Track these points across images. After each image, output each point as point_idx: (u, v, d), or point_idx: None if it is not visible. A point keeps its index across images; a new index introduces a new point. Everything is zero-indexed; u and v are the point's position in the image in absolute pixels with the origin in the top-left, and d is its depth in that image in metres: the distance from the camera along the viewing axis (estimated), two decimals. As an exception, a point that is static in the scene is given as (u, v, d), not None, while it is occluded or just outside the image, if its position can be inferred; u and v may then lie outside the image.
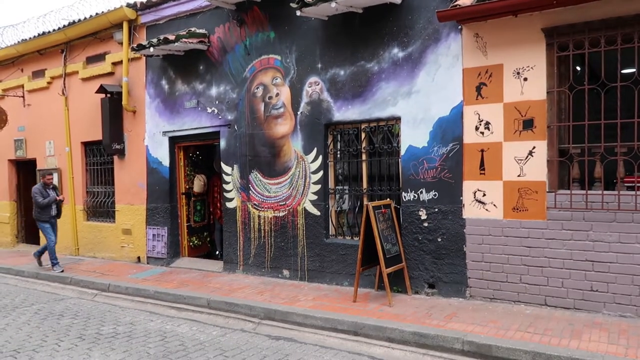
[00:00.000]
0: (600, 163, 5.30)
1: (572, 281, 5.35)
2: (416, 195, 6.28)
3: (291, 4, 6.63)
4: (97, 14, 9.44)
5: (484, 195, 5.82)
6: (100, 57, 9.83)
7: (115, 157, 9.66)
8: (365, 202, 6.69)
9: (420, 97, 6.21)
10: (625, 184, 5.24)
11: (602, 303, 5.20)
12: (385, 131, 6.69)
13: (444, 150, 6.06)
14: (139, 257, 9.38)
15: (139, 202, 9.31)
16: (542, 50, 5.42)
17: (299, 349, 5.04)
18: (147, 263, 9.21)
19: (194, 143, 8.93)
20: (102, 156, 10.06)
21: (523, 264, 5.60)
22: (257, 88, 7.68)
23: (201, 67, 8.34)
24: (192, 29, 8.12)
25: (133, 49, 8.61)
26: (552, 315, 5.24)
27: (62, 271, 8.67)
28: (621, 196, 5.10)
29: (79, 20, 9.73)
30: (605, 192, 5.21)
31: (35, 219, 8.99)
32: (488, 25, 5.70)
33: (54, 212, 8.96)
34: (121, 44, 9.26)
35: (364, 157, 6.90)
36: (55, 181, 10.77)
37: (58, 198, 8.96)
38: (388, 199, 6.51)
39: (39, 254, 9.34)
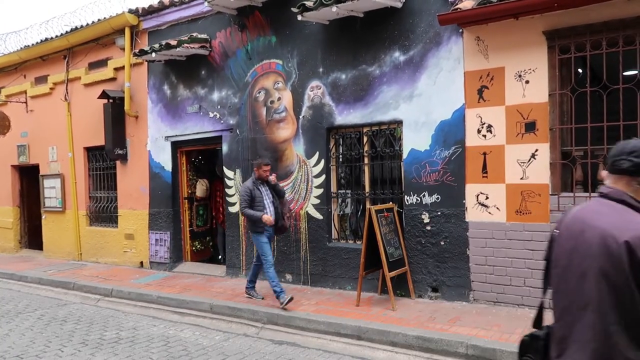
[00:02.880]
0: (604, 165, 5.26)
1: (576, 284, 5.31)
2: (419, 199, 6.26)
3: (292, 9, 6.64)
4: (99, 20, 9.48)
5: (487, 198, 5.81)
6: (102, 63, 9.87)
7: (118, 162, 9.67)
8: (367, 205, 6.68)
9: (422, 100, 6.21)
10: (629, 186, 5.21)
11: (607, 306, 5.16)
12: (387, 135, 6.69)
13: (446, 153, 6.05)
14: (141, 262, 9.39)
15: (141, 207, 9.32)
16: (543, 53, 5.41)
17: (302, 353, 5.03)
18: (150, 268, 9.21)
19: (196, 148, 8.94)
20: (104, 161, 10.07)
21: (527, 267, 5.57)
22: (259, 92, 7.69)
23: (203, 72, 8.35)
24: (194, 34, 8.14)
25: (135, 55, 8.64)
26: (556, 319, 5.21)
27: (291, 299, 6.09)
28: (624, 198, 5.07)
29: (82, 27, 9.77)
30: (608, 194, 5.18)
31: (248, 227, 6.75)
32: (489, 28, 5.70)
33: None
34: (123, 49, 9.29)
35: (366, 160, 6.90)
36: (58, 186, 10.83)
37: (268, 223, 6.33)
38: (390, 203, 6.50)
39: (253, 282, 6.77)
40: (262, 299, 6.53)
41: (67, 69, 10.44)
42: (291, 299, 6.05)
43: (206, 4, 7.46)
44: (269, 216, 6.32)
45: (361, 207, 7.01)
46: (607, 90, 5.17)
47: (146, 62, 9.01)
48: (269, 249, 6.40)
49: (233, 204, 8.08)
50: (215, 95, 8.21)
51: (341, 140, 7.15)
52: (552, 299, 1.94)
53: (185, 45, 7.89)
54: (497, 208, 5.75)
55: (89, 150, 10.35)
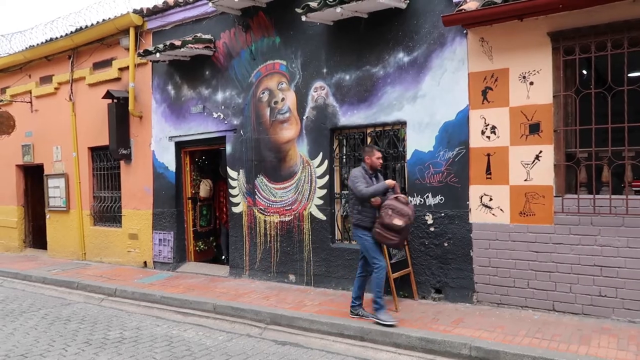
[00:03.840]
0: (608, 167, 5.26)
1: (580, 286, 5.31)
2: (422, 200, 6.26)
3: (296, 10, 6.65)
4: (104, 20, 9.51)
5: (491, 199, 5.80)
6: (107, 63, 9.89)
7: (122, 162, 9.70)
8: (371, 206, 6.67)
9: (426, 101, 6.20)
10: (633, 188, 5.20)
11: (611, 308, 5.16)
12: (391, 136, 6.68)
13: (450, 154, 6.04)
14: (145, 262, 9.41)
15: (145, 207, 9.34)
16: (548, 54, 5.40)
17: (305, 354, 5.03)
18: (154, 268, 9.23)
19: (200, 148, 8.95)
20: (108, 161, 10.10)
21: (530, 269, 5.56)
22: (263, 93, 7.70)
23: (207, 73, 8.37)
24: (198, 35, 8.16)
25: (139, 55, 8.66)
26: (560, 321, 5.20)
27: (393, 325, 5.14)
28: (629, 200, 5.06)
29: (86, 27, 9.80)
30: (613, 196, 5.17)
31: (353, 224, 5.61)
32: (493, 29, 5.69)
33: (376, 213, 5.49)
34: (128, 49, 9.32)
35: (369, 161, 6.89)
36: (62, 186, 10.86)
37: (392, 187, 5.49)
38: (394, 204, 6.49)
39: (360, 299, 5.60)
40: (362, 316, 5.51)
41: (71, 69, 10.47)
42: (393, 325, 5.12)
43: (210, 4, 7.47)
44: (393, 181, 5.49)
45: (364, 208, 6.99)
46: (611, 92, 5.15)
47: (150, 63, 9.03)
48: (380, 250, 5.43)
49: (237, 204, 8.08)
50: (219, 96, 8.23)
51: (345, 141, 7.15)
52: None
53: (190, 45, 7.90)
54: (501, 209, 5.74)
55: (93, 150, 10.38)
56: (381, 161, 5.61)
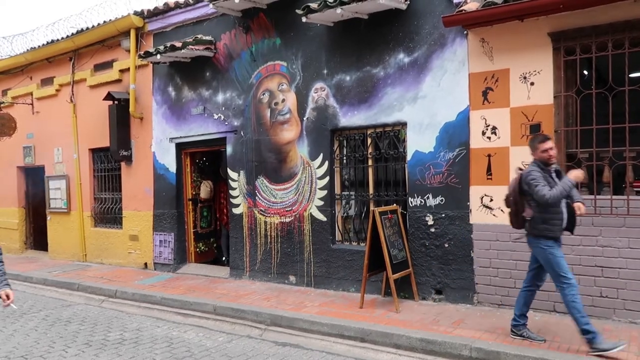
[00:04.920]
0: (609, 168, 5.25)
1: (581, 287, 5.25)
2: (423, 201, 6.25)
3: (297, 11, 6.66)
4: (105, 22, 9.53)
5: (491, 200, 5.78)
6: (107, 65, 9.91)
7: (123, 164, 9.70)
8: (371, 207, 6.67)
9: (427, 102, 6.20)
10: (634, 189, 5.19)
11: (612, 309, 5.14)
12: (392, 136, 6.68)
13: (451, 155, 6.04)
14: (145, 263, 9.40)
15: (146, 208, 9.34)
16: (548, 55, 5.39)
17: (305, 355, 5.02)
18: (154, 269, 9.23)
19: (201, 149, 8.96)
20: (109, 163, 10.11)
21: (531, 270, 5.54)
22: (263, 94, 7.70)
23: (207, 74, 8.37)
24: (199, 36, 8.16)
25: (140, 56, 8.67)
26: (561, 322, 5.18)
27: (621, 347, 4.23)
28: (630, 201, 5.05)
29: (87, 29, 9.82)
30: (614, 196, 5.16)
31: (532, 235, 4.59)
32: (494, 30, 5.68)
33: (565, 217, 4.49)
34: (128, 51, 9.33)
35: (370, 162, 6.89)
36: (63, 188, 10.87)
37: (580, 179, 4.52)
38: (394, 205, 6.49)
39: (525, 317, 4.77)
40: (544, 341, 4.60)
41: (72, 71, 10.49)
42: (621, 346, 4.19)
43: (211, 5, 7.49)
44: (579, 171, 4.43)
45: (365, 208, 6.99)
46: (612, 92, 5.14)
47: (151, 64, 9.04)
48: (567, 266, 4.46)
49: (237, 206, 8.08)
50: (220, 97, 8.23)
51: (345, 141, 7.15)
52: None
53: (190, 47, 7.91)
54: (502, 210, 5.70)
55: (94, 151, 10.39)
56: (551, 152, 4.44)
